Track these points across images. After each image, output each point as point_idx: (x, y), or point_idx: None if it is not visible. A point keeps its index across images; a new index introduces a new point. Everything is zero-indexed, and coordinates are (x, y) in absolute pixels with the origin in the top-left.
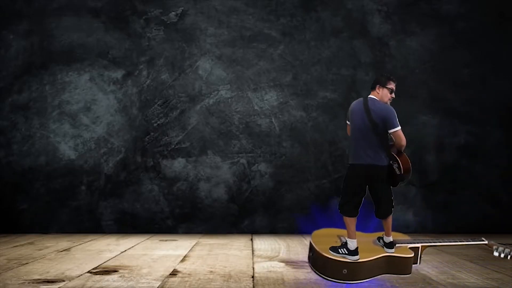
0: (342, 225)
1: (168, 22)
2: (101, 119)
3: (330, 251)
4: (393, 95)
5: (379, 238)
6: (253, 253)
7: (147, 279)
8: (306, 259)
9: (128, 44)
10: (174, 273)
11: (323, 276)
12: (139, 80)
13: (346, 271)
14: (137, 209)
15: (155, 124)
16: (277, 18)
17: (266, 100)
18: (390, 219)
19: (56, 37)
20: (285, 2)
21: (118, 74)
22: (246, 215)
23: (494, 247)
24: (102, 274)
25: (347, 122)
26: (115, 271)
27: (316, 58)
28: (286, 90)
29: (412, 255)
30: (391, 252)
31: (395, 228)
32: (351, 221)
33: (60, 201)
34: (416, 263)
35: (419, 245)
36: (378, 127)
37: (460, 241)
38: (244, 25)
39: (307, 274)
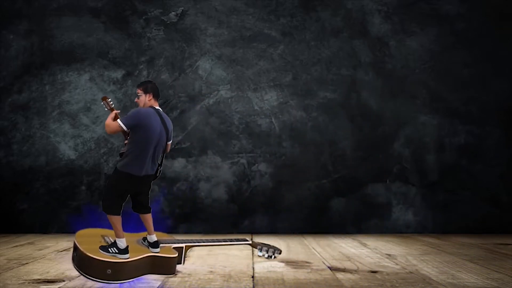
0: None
1: (168, 22)
2: (101, 119)
3: (100, 251)
4: None
5: (144, 238)
6: (253, 253)
7: (147, 279)
8: (306, 259)
9: (128, 44)
10: None
11: (87, 276)
12: (139, 80)
13: (110, 271)
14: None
15: None
16: (277, 18)
17: (266, 100)
18: (150, 217)
19: (56, 37)
20: (285, 2)
21: (118, 74)
22: (246, 215)
23: (258, 247)
24: None
25: (124, 127)
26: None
27: (316, 58)
28: (286, 90)
29: (176, 255)
30: (156, 252)
31: (396, 228)
32: (117, 220)
33: (60, 201)
34: (181, 263)
35: (183, 245)
36: (167, 140)
37: (224, 241)
38: (244, 25)
39: (307, 274)
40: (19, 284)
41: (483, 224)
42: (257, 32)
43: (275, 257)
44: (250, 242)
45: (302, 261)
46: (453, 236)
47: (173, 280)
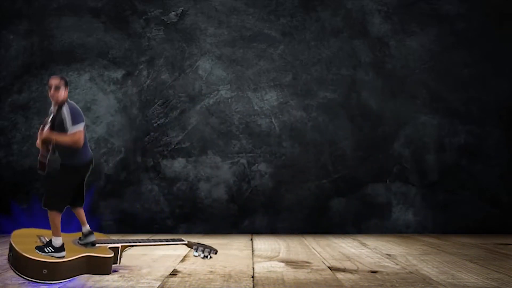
0: (43, 225)
1: (168, 22)
2: (101, 119)
3: (36, 251)
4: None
5: (80, 238)
6: (253, 253)
7: (147, 279)
8: (306, 259)
9: (128, 44)
10: (174, 273)
11: (24, 277)
12: (139, 80)
13: (46, 271)
14: (137, 209)
15: (155, 124)
16: (277, 18)
17: (266, 100)
18: (83, 210)
19: (56, 37)
20: (285, 2)
21: (118, 74)
22: (246, 215)
23: (194, 247)
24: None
25: (82, 125)
26: (115, 271)
27: (316, 58)
28: (286, 90)
29: (112, 255)
30: (92, 240)
31: (396, 228)
32: (58, 218)
33: None
34: (116, 263)
35: (119, 245)
36: None
37: (160, 242)
38: (244, 25)
39: (307, 274)
40: (19, 284)
41: (483, 224)
42: (257, 32)
43: (211, 257)
44: (186, 242)
45: (302, 261)
46: (453, 236)
47: (173, 280)
